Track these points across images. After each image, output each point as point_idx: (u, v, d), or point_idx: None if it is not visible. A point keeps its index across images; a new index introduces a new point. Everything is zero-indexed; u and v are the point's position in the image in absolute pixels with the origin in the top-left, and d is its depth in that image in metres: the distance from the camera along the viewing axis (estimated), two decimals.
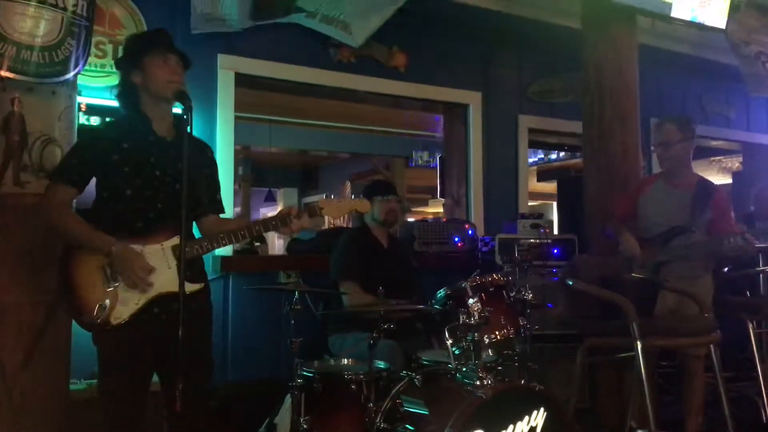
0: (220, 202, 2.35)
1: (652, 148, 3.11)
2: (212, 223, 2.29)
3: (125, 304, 2.02)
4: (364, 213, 2.66)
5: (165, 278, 2.05)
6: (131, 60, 2.17)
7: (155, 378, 2.19)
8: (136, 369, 2.09)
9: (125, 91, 2.18)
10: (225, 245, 2.15)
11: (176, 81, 2.12)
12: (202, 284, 2.18)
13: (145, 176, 2.09)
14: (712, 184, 3.30)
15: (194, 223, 2.26)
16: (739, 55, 4.80)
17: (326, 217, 3.53)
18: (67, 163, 2.12)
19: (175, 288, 1.97)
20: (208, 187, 2.29)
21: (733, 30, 4.39)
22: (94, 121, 3.22)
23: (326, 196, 10.24)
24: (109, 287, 2.02)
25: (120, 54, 3.20)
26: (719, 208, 3.14)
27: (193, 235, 2.17)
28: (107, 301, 2.00)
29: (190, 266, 2.06)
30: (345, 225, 6.77)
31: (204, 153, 2.31)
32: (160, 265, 2.05)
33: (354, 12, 3.80)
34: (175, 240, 2.05)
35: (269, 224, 2.18)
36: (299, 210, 2.18)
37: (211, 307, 2.29)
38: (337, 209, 2.28)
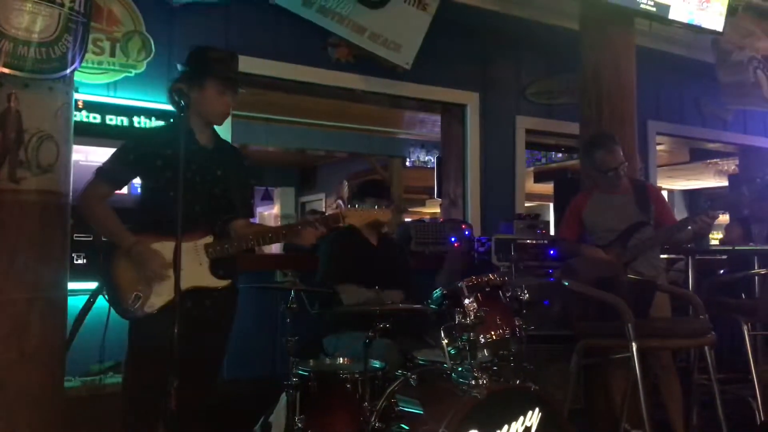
0: (251, 207, 2.53)
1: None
2: (242, 225, 2.43)
3: (159, 295, 2.19)
4: (385, 222, 2.74)
5: (196, 273, 2.20)
6: (194, 75, 2.30)
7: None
8: (163, 360, 2.11)
9: (179, 98, 2.20)
10: (254, 246, 2.35)
11: (226, 113, 2.36)
12: (230, 281, 2.33)
13: (186, 182, 2.20)
14: (641, 180, 3.50)
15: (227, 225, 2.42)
16: (727, 63, 4.83)
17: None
18: (112, 164, 2.32)
19: (204, 283, 2.22)
20: (242, 193, 2.44)
21: (729, 34, 4.40)
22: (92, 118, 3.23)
23: (323, 197, 10.27)
24: (144, 279, 2.19)
25: (122, 48, 3.29)
26: (658, 198, 3.39)
27: (226, 235, 2.34)
28: (142, 291, 2.19)
29: (221, 264, 2.27)
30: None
31: (239, 161, 2.49)
32: (192, 261, 2.20)
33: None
34: (208, 239, 2.26)
35: (295, 229, 2.32)
36: (324, 217, 2.34)
37: (236, 304, 2.44)
38: (360, 217, 2.41)
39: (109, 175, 2.29)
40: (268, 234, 2.37)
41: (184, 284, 2.12)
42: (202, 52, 2.40)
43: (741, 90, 4.97)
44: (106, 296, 2.24)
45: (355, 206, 2.59)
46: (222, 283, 2.27)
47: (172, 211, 2.15)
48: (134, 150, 2.31)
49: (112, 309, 2.25)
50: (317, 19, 3.83)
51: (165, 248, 2.19)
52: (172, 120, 2.41)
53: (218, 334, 2.36)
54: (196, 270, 2.20)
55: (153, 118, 3.41)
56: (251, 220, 2.53)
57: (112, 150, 2.35)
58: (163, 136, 2.34)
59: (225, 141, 2.49)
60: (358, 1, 3.87)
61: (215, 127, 2.44)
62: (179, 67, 2.41)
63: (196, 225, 2.22)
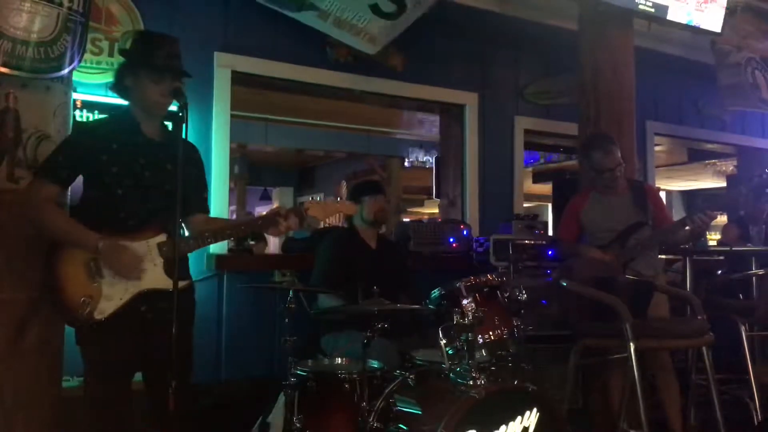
0: (206, 201, 2.41)
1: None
2: (200, 222, 2.33)
3: (109, 300, 2.05)
4: (350, 215, 2.67)
5: (150, 275, 2.08)
6: (129, 64, 2.19)
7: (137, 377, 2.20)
8: (118, 367, 2.09)
9: (119, 88, 2.20)
10: (210, 244, 2.21)
11: (164, 103, 2.16)
12: (188, 281, 2.23)
13: (135, 177, 2.13)
14: (639, 180, 3.48)
15: (182, 222, 2.29)
16: (725, 64, 4.83)
17: None
18: (54, 161, 2.13)
19: (159, 285, 2.05)
20: (196, 187, 2.34)
21: (727, 34, 4.41)
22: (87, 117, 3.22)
23: (322, 196, 10.26)
24: (93, 282, 2.05)
25: (120, 45, 3.22)
26: (656, 199, 3.39)
27: (180, 234, 2.19)
28: (91, 297, 2.03)
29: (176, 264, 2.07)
30: (340, 224, 6.78)
31: (191, 153, 2.33)
32: (146, 261, 2.08)
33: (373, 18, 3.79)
34: (161, 237, 2.11)
35: (256, 224, 2.22)
36: (287, 210, 2.22)
37: (194, 305, 2.32)
38: (323, 211, 2.32)
39: (55, 173, 2.10)
40: (226, 230, 2.23)
41: (138, 286, 2.06)
42: (138, 38, 2.28)
43: (740, 92, 4.97)
44: (50, 304, 2.09)
45: (320, 198, 2.53)
46: (182, 284, 2.07)
47: (122, 209, 2.08)
48: (80, 144, 2.13)
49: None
50: (335, 33, 3.78)
51: None
52: (114, 112, 2.25)
53: (183, 334, 2.09)
54: (150, 271, 2.07)
55: None
56: (209, 215, 2.40)
57: (60, 142, 2.23)
58: (107, 129, 2.18)
59: (176, 134, 2.14)
60: (373, 11, 3.76)
61: (160, 116, 2.23)
62: (120, 56, 2.29)
63: (147, 223, 2.10)
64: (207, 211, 2.40)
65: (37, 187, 2.12)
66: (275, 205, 10.96)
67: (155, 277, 2.08)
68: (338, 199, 2.61)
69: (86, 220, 2.09)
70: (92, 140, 2.13)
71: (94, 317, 2.03)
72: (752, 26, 4.79)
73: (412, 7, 3.78)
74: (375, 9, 3.78)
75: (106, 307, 2.04)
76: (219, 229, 2.22)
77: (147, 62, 2.13)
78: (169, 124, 2.28)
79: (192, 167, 2.30)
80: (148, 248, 2.09)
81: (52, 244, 2.09)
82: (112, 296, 2.05)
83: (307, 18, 3.71)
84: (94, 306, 2.03)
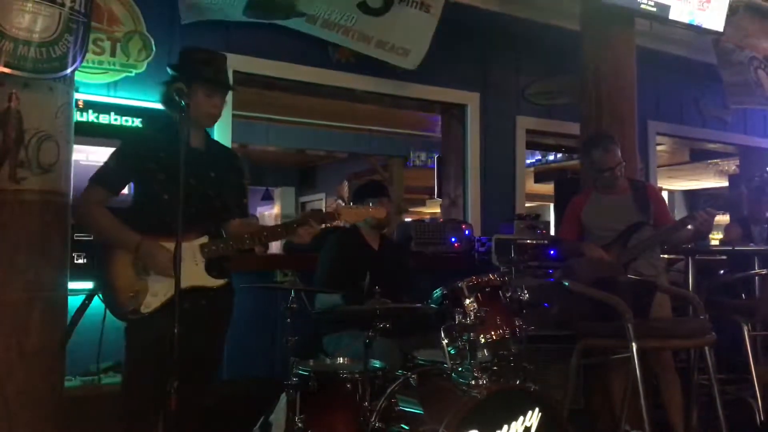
0: (245, 206, 2.52)
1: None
2: (237, 225, 2.43)
3: (155, 296, 2.19)
4: (381, 219, 2.75)
5: (192, 273, 2.19)
6: (182, 78, 2.26)
7: None
8: (160, 360, 2.11)
9: (169, 102, 2.27)
10: (250, 246, 2.33)
11: (216, 115, 2.36)
12: (227, 279, 2.34)
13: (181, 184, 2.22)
14: (640, 180, 3.48)
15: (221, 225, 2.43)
16: (728, 62, 4.84)
17: None
18: (108, 168, 2.29)
19: (200, 282, 2.22)
20: (237, 194, 2.46)
21: (729, 34, 4.40)
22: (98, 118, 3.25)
23: (324, 197, 10.27)
24: (140, 280, 2.20)
25: (123, 48, 3.30)
26: (657, 198, 3.39)
27: (221, 235, 2.36)
28: (138, 292, 2.18)
29: (217, 264, 2.28)
30: (342, 224, 6.77)
31: (232, 161, 2.50)
32: (189, 261, 2.19)
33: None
34: (203, 239, 2.26)
35: (292, 227, 2.32)
36: (321, 215, 2.34)
37: (232, 305, 2.43)
38: (355, 215, 2.44)
39: (107, 179, 2.28)
40: (264, 233, 2.34)
41: (182, 284, 2.10)
42: (189, 55, 2.38)
43: (744, 89, 4.97)
44: (102, 298, 2.24)
45: (350, 204, 2.60)
46: (218, 282, 2.27)
47: (167, 213, 2.16)
48: (132, 153, 2.30)
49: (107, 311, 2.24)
50: (324, 35, 3.82)
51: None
52: (162, 123, 2.37)
53: (215, 333, 2.37)
54: (193, 270, 2.20)
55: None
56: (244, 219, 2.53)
57: (113, 150, 2.34)
58: (157, 139, 2.33)
59: (216, 142, 2.53)
60: (361, 10, 3.85)
61: (210, 127, 2.45)
62: (169, 70, 2.39)
63: (191, 226, 2.21)
64: (245, 215, 2.51)
65: (89, 191, 2.27)
66: (277, 205, 10.98)
67: (197, 275, 2.21)
68: (370, 205, 2.74)
69: (136, 222, 2.23)
70: (143, 150, 2.29)
71: (141, 312, 2.18)
72: (754, 25, 4.78)
73: (398, 3, 3.88)
74: (362, 6, 3.84)
75: (152, 302, 2.19)
76: (257, 232, 2.33)
77: (199, 77, 2.28)
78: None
79: (233, 174, 2.45)
80: (192, 249, 2.22)
81: (105, 246, 2.24)
82: (158, 292, 2.19)
83: (297, 24, 3.74)
84: (140, 301, 2.18)
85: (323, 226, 2.34)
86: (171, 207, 2.17)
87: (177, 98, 2.10)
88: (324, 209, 2.68)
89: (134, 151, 2.30)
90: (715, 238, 6.60)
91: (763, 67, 5.10)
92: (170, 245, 2.12)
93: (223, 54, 2.41)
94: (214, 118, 2.38)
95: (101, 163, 2.31)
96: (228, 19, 3.58)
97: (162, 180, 2.24)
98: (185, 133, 2.11)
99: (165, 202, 2.22)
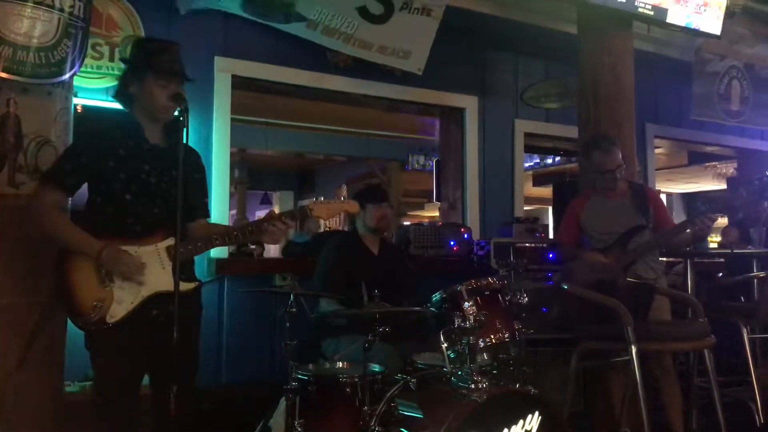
0: (207, 206, 2.42)
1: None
2: (200, 226, 2.34)
3: (120, 303, 2.06)
4: (354, 214, 2.69)
5: (160, 278, 2.09)
6: (133, 71, 2.19)
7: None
8: (129, 370, 2.10)
9: (122, 95, 2.21)
10: (218, 246, 2.22)
11: (170, 108, 2.15)
12: (197, 283, 2.23)
13: (142, 183, 2.14)
14: (639, 183, 3.48)
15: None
16: (701, 73, 4.93)
17: (321, 221, 3.55)
18: (61, 167, 2.13)
19: (169, 287, 2.00)
20: (199, 193, 2.36)
21: (717, 40, 4.42)
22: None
23: (322, 198, 10.26)
24: (105, 287, 2.06)
25: (121, 53, 3.25)
26: (657, 202, 3.38)
27: (187, 238, 2.20)
28: (102, 301, 2.04)
29: (184, 267, 2.09)
30: (342, 228, 6.77)
31: (194, 159, 2.35)
32: (155, 265, 2.09)
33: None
34: (169, 241, 2.12)
35: (262, 226, 2.19)
36: (290, 212, 2.25)
37: (202, 308, 2.34)
38: (327, 210, 2.32)
39: (62, 179, 2.10)
40: (234, 233, 2.23)
41: (148, 290, 2.08)
42: (142, 46, 2.30)
43: (706, 101, 5.11)
44: (62, 308, 2.10)
45: (321, 199, 2.52)
46: (188, 286, 2.14)
47: (130, 215, 2.10)
48: (85, 150, 2.13)
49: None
50: (324, 41, 3.81)
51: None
52: (115, 119, 2.24)
53: (189, 337, 2.16)
54: (160, 274, 2.09)
55: None
56: (208, 220, 2.42)
57: (66, 147, 2.24)
58: (112, 136, 2.17)
59: (176, 138, 2.15)
60: (362, 16, 3.84)
61: (167, 121, 2.23)
62: (121, 64, 2.32)
63: (156, 227, 2.12)
64: (207, 216, 2.41)
65: (42, 193, 2.12)
66: (276, 209, 10.97)
67: (165, 280, 2.07)
68: (341, 198, 2.62)
69: (94, 226, 2.09)
70: (99, 147, 2.13)
71: (105, 321, 2.04)
72: (747, 29, 4.79)
73: (398, 11, 3.87)
74: (363, 12, 3.83)
75: (117, 311, 2.05)
76: (226, 232, 2.24)
77: (152, 67, 2.13)
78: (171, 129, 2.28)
79: (195, 172, 2.33)
80: (157, 252, 2.11)
81: (63, 250, 2.09)
82: (123, 300, 2.06)
83: (296, 29, 3.73)
84: (105, 310, 2.04)
85: (295, 221, 2.24)
86: (132, 208, 2.10)
87: (119, 96, 2.03)
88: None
89: (89, 149, 2.13)
90: (713, 241, 6.61)
91: (740, 77, 5.16)
92: (133, 249, 2.06)
93: (176, 43, 2.25)
94: (169, 110, 2.17)
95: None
96: (226, 10, 3.55)
97: (123, 179, 2.10)
98: (132, 129, 2.01)
99: (126, 202, 2.10)
